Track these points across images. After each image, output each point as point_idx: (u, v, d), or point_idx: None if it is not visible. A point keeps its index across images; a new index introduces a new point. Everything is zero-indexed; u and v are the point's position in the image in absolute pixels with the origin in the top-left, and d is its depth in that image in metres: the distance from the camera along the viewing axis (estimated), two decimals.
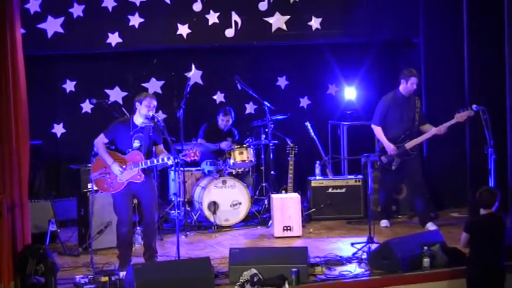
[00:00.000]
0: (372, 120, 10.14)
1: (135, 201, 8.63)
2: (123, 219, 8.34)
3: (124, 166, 8.19)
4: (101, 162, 8.29)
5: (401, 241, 8.32)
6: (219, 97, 12.03)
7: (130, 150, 8.25)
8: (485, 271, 7.45)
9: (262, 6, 11.01)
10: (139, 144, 8.25)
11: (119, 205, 8.34)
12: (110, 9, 10.57)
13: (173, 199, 10.51)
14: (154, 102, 8.27)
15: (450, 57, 10.86)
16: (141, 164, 8.16)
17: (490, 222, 7.51)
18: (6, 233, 7.72)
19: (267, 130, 10.75)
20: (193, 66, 11.78)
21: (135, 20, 10.64)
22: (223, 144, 10.91)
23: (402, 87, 9.97)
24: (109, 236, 9.08)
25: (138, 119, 8.28)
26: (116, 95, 11.44)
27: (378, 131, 10.04)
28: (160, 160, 8.23)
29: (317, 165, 11.00)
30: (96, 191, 8.56)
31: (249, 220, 10.63)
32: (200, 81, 11.88)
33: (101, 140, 8.31)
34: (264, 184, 11.19)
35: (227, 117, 11.18)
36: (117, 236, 8.43)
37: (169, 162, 8.33)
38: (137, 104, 8.28)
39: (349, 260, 8.48)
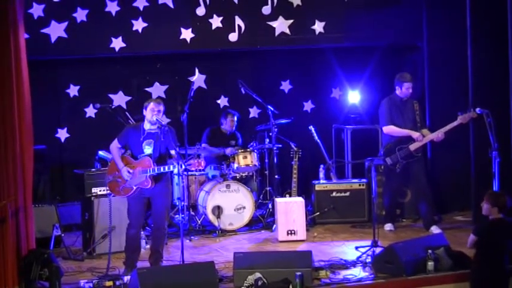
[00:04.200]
0: (380, 124, 10.11)
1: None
2: (132, 221, 8.37)
3: (132, 171, 8.21)
4: (115, 166, 8.36)
5: (405, 245, 8.31)
6: (222, 101, 12.04)
7: (142, 155, 8.27)
8: (490, 274, 7.44)
9: (266, 10, 11.01)
10: (149, 150, 8.26)
11: (130, 208, 8.38)
12: (114, 13, 10.58)
13: (177, 203, 10.48)
14: (160, 107, 8.29)
15: (454, 61, 10.85)
16: (149, 170, 8.17)
17: (500, 227, 7.49)
18: (10, 238, 7.74)
19: (270, 134, 10.75)
20: (196, 70, 11.80)
21: (139, 25, 10.65)
22: (228, 151, 10.91)
23: (398, 92, 10.00)
24: (113, 240, 9.08)
25: (147, 125, 8.32)
26: (119, 99, 11.46)
27: (392, 129, 9.95)
28: (166, 168, 8.23)
29: (321, 169, 10.99)
30: (110, 193, 8.63)
31: (253, 224, 10.63)
32: (204, 86, 11.89)
33: (114, 145, 8.38)
34: (268, 188, 11.19)
35: (233, 117, 11.18)
36: (126, 238, 8.45)
37: (175, 171, 8.33)
38: (144, 109, 8.32)
39: (353, 264, 8.48)
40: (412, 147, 9.88)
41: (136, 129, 8.38)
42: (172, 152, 8.31)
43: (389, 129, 10.01)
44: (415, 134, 9.87)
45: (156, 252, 8.44)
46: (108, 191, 8.61)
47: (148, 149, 8.28)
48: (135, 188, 8.24)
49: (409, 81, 9.94)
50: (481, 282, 7.51)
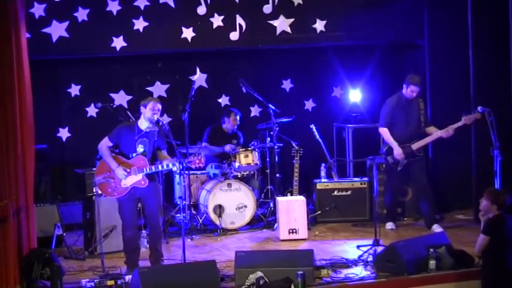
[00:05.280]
0: (379, 124, 10.13)
1: (140, 205, 8.63)
2: (127, 223, 8.34)
3: (128, 170, 8.19)
4: (105, 166, 8.28)
5: (407, 243, 8.30)
6: (224, 100, 12.04)
7: (134, 154, 8.24)
8: (499, 270, 7.42)
9: (267, 9, 11.00)
10: (143, 149, 8.24)
11: (123, 209, 8.34)
12: (115, 13, 10.57)
13: (179, 202, 10.49)
14: (159, 106, 8.27)
15: (455, 59, 10.85)
16: (146, 169, 8.15)
17: (504, 222, 7.49)
18: (12, 237, 7.74)
19: (272, 133, 10.75)
20: (198, 69, 11.78)
21: (140, 24, 10.64)
22: (227, 147, 10.92)
23: (404, 91, 9.99)
24: (114, 239, 9.09)
25: (143, 124, 8.28)
26: (120, 98, 11.46)
27: (385, 133, 10.02)
28: (165, 166, 8.23)
29: (322, 167, 10.99)
30: (100, 194, 8.58)
31: (255, 223, 10.63)
32: (205, 85, 11.89)
33: (105, 144, 8.31)
34: (269, 187, 11.19)
35: (235, 116, 11.17)
36: (123, 240, 8.44)
37: (174, 168, 8.32)
38: (142, 108, 8.28)
39: (355, 263, 8.47)
40: (415, 146, 9.88)
41: (130, 128, 8.33)
42: (163, 151, 8.31)
43: (382, 132, 10.07)
44: (397, 151, 9.85)
45: (155, 251, 8.44)
46: (100, 193, 8.54)
47: (141, 148, 8.25)
48: (130, 187, 8.22)
49: (415, 85, 9.86)
50: (491, 279, 7.49)
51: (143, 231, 9.35)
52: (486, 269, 7.58)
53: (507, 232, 7.48)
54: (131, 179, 8.18)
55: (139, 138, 8.25)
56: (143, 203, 8.41)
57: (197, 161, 8.23)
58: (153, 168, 8.17)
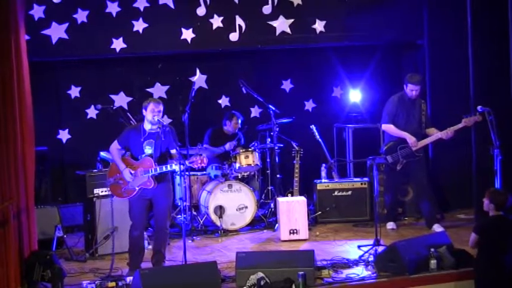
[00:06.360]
0: (382, 121, 10.09)
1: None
2: (135, 223, 8.37)
3: (134, 172, 8.21)
4: (116, 168, 8.34)
5: (407, 243, 8.30)
6: (224, 101, 12.03)
7: (142, 156, 8.27)
8: (494, 274, 7.41)
9: (266, 9, 11.01)
10: (150, 151, 8.26)
11: (132, 209, 8.38)
12: (114, 14, 10.57)
13: (179, 204, 10.49)
14: (160, 107, 8.28)
15: (455, 59, 10.84)
16: (151, 170, 8.17)
17: (500, 224, 7.49)
18: (13, 239, 7.74)
19: (272, 134, 10.75)
20: (197, 70, 11.79)
21: (139, 25, 10.65)
22: (227, 145, 10.93)
23: (406, 90, 9.98)
24: (116, 241, 9.08)
25: (147, 125, 8.31)
26: (120, 100, 11.45)
27: (391, 128, 9.95)
28: (169, 167, 8.23)
29: (323, 168, 10.99)
30: (112, 195, 8.62)
31: (255, 224, 10.63)
32: (205, 86, 11.89)
33: (114, 147, 8.37)
34: (270, 188, 11.19)
35: (237, 120, 11.17)
36: (129, 239, 8.46)
37: (177, 169, 8.34)
38: (143, 110, 8.31)
39: (355, 263, 8.48)
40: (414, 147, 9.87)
41: (137, 130, 8.37)
42: (173, 151, 8.31)
43: (388, 128, 10.02)
44: (411, 139, 9.84)
45: (158, 253, 8.44)
46: (110, 193, 8.61)
47: (149, 149, 8.28)
48: (137, 189, 8.25)
49: (414, 84, 9.85)
50: (485, 281, 7.49)
51: (144, 233, 9.33)
52: (482, 269, 7.55)
53: (504, 234, 7.47)
54: (138, 181, 8.21)
55: (145, 140, 8.28)
56: (153, 203, 8.41)
57: (199, 161, 8.23)
58: (158, 169, 8.18)
